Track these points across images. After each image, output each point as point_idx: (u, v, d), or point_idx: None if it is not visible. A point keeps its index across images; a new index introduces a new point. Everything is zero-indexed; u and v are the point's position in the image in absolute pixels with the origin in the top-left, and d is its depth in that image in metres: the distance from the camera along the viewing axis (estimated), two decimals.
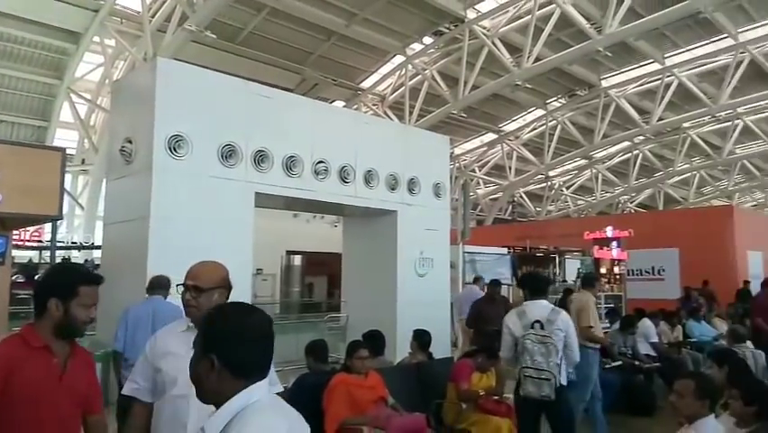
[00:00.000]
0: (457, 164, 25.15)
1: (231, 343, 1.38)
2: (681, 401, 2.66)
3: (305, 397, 3.60)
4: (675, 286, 14.73)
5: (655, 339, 7.57)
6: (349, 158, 7.22)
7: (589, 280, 6.33)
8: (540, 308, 4.05)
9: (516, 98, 20.04)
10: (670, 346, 7.88)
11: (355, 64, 17.05)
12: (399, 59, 16.94)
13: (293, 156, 6.50)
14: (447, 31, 15.53)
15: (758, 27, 16.00)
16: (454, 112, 18.04)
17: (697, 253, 15.29)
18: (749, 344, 6.67)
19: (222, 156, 5.91)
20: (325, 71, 16.76)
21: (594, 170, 27.38)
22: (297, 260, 17.22)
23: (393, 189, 7.81)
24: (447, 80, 17.44)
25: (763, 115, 22.41)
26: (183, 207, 5.60)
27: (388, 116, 18.70)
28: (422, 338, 5.20)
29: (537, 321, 3.94)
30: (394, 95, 18.54)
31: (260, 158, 6.23)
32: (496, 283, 7.63)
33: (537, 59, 15.44)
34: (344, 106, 17.65)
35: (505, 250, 12.94)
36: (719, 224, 16.14)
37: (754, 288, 12.84)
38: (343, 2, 13.80)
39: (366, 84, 18.23)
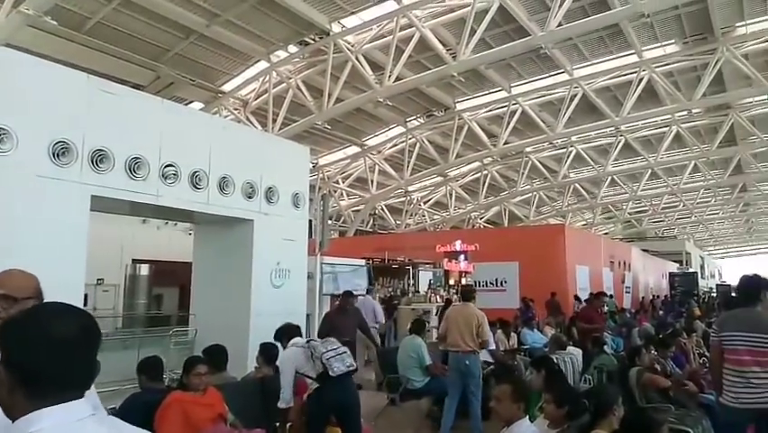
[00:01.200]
0: (321, 175, 25.26)
1: (18, 347, 1.11)
2: (500, 405, 2.88)
3: (135, 418, 3.33)
4: (515, 297, 16.05)
5: (493, 347, 8.13)
6: (202, 163, 6.92)
7: (470, 292, 6.82)
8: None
9: (378, 114, 20.62)
10: (506, 353, 8.53)
11: (216, 66, 16.40)
12: (263, 64, 16.60)
13: (138, 158, 6.07)
14: (312, 42, 15.56)
15: (589, 65, 18.08)
16: (319, 123, 18.11)
17: (534, 266, 16.81)
18: (571, 349, 7.46)
19: (53, 154, 5.35)
20: (183, 70, 15.92)
21: (449, 187, 28.99)
22: (145, 269, 16.04)
23: (250, 198, 7.63)
24: (312, 91, 17.45)
25: (591, 144, 25.34)
26: (4, 208, 4.99)
27: (251, 122, 18.24)
28: (268, 352, 5.09)
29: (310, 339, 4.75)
30: (257, 101, 18.13)
31: (99, 158, 5.73)
32: (349, 294, 7.75)
33: (398, 79, 16.03)
34: (203, 109, 16.92)
35: (362, 261, 13.19)
36: (553, 240, 17.91)
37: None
38: (204, 1, 13.26)
39: (227, 87, 17.60)
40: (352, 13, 14.64)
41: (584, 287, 17.50)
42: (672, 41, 16.83)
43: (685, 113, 21.71)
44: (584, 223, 38.30)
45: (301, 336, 4.99)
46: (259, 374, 5.02)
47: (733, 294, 6.29)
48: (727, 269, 51.64)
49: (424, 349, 6.84)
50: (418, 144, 22.96)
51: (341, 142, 23.10)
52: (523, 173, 26.61)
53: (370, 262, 14.96)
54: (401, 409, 6.80)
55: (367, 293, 11.40)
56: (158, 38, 14.54)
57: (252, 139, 8.69)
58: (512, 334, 9.24)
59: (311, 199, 14.84)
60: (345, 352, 4.37)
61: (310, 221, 9.60)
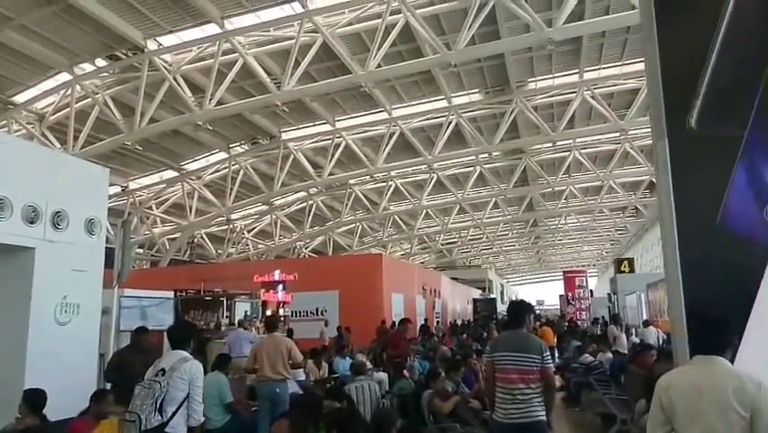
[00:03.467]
0: (131, 199, 23.41)
1: None
2: None
3: None
4: (336, 325, 16.28)
5: (302, 378, 8.12)
6: None
7: (274, 323, 7.48)
8: (174, 355, 4.24)
9: (198, 138, 19.81)
10: (316, 383, 8.55)
11: (6, 74, 14.42)
12: (65, 76, 15.01)
13: None
14: (124, 57, 14.50)
15: (406, 107, 19.42)
16: (129, 143, 16.82)
17: (353, 294, 17.27)
18: (379, 375, 7.72)
19: None
20: None
21: (274, 216, 28.73)
22: None
23: (32, 223, 6.74)
24: (122, 108, 16.17)
25: (409, 179, 27.05)
26: None
27: (47, 139, 16.33)
28: (32, 399, 4.48)
29: (162, 369, 4.07)
30: (56, 115, 16.30)
31: None
32: (143, 330, 7.18)
33: (220, 103, 15.59)
34: None
35: (170, 293, 12.36)
36: (371, 270, 18.60)
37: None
38: None
39: (20, 98, 15.57)
40: (170, 31, 14.00)
41: (399, 313, 18.39)
42: (476, 90, 18.85)
43: (487, 155, 24.32)
44: (403, 253, 40.45)
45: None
46: (20, 425, 4.37)
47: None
48: (523, 294, 58.24)
49: (226, 386, 6.54)
50: (242, 171, 22.47)
51: (156, 165, 21.70)
52: (347, 204, 27.43)
53: (183, 293, 14.09)
54: None
55: (239, 325, 11.69)
56: None
57: (38, 157, 7.70)
58: (323, 363, 9.30)
59: (115, 225, 13.66)
60: (132, 421, 3.86)
61: (112, 250, 8.79)
